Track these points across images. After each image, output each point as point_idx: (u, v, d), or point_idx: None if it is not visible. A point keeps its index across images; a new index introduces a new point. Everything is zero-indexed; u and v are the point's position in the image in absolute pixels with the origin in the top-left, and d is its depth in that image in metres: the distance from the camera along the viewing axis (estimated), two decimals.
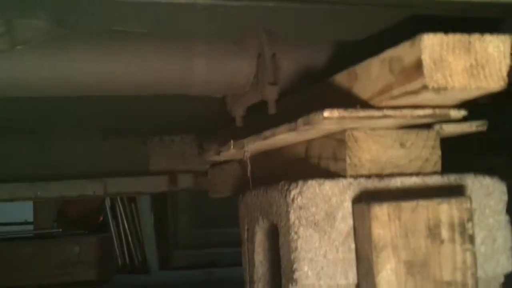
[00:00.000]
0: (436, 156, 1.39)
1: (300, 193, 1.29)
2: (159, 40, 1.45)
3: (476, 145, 2.83)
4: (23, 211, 5.55)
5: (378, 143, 1.35)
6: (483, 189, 1.35)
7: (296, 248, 1.28)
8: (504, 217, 1.35)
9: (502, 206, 1.36)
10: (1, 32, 1.24)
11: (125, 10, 1.26)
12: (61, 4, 1.27)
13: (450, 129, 1.42)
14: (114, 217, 5.20)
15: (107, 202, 5.14)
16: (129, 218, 5.21)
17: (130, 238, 5.21)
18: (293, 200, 1.30)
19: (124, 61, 1.44)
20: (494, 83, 1.13)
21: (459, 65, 1.11)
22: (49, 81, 1.43)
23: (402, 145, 1.37)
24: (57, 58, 1.41)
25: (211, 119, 2.28)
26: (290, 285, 1.31)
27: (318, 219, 1.29)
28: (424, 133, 1.38)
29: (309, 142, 1.50)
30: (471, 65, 1.12)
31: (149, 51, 1.45)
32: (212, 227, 5.05)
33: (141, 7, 1.24)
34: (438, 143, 1.39)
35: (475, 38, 1.12)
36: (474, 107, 1.93)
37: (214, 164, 2.22)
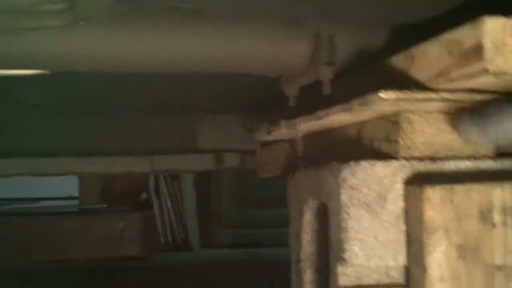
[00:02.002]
0: None
1: (352, 173, 1.30)
2: (221, 19, 1.46)
3: None
4: (68, 186, 5.63)
5: (433, 126, 1.35)
6: None
7: (346, 228, 1.29)
8: None
9: None
10: (65, 7, 1.26)
11: None
12: None
13: None
14: (157, 195, 5.25)
15: (151, 180, 5.19)
16: (172, 196, 5.26)
17: (172, 216, 5.26)
18: (344, 180, 1.30)
19: (185, 39, 1.45)
20: None
21: None
22: (109, 58, 1.45)
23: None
24: (119, 34, 1.42)
25: (259, 99, 2.29)
26: (339, 264, 1.32)
27: (370, 200, 1.30)
28: None
29: (362, 124, 1.50)
30: None
31: (211, 29, 1.46)
32: (255, 207, 5.07)
33: None
34: None
35: None
36: None
37: (263, 144, 2.23)
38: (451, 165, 1.33)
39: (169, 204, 5.26)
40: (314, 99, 1.62)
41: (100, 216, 4.50)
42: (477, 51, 1.10)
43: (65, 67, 1.51)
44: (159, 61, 1.48)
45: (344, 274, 1.33)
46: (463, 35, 1.14)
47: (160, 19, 1.44)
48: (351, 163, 1.31)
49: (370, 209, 1.30)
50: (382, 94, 1.20)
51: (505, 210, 1.25)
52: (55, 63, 1.47)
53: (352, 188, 1.30)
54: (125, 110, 2.62)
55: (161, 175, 5.13)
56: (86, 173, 3.05)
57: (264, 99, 2.25)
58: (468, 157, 1.36)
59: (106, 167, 2.92)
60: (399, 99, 1.21)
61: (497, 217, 1.24)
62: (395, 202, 1.30)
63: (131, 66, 1.50)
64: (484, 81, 1.16)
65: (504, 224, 1.24)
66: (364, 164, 1.31)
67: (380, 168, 1.31)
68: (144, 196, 5.18)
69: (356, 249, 1.29)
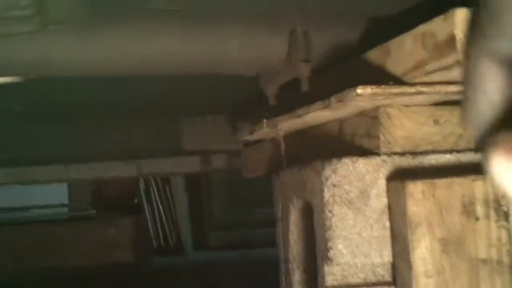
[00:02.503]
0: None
1: (334, 171, 1.29)
2: (192, 19, 1.44)
3: None
4: (58, 194, 5.62)
5: (412, 120, 1.34)
6: None
7: (330, 227, 1.28)
8: None
9: None
10: (33, 12, 1.24)
11: None
12: None
13: None
14: (148, 199, 5.24)
15: (141, 184, 5.17)
16: (163, 200, 5.25)
17: (164, 220, 5.25)
18: (327, 178, 1.30)
19: (158, 41, 1.44)
20: None
21: None
22: (82, 62, 1.43)
23: (436, 121, 1.36)
24: (90, 38, 1.41)
25: (243, 98, 2.28)
26: (325, 263, 1.31)
27: (352, 197, 1.29)
28: (457, 110, 1.37)
29: (342, 120, 1.49)
30: None
31: (183, 30, 1.44)
32: (247, 207, 5.06)
33: None
34: None
35: None
36: None
37: (248, 144, 2.22)
38: (432, 159, 1.32)
39: (160, 208, 5.25)
40: (294, 97, 1.61)
41: (91, 223, 4.48)
42: (450, 43, 1.09)
43: (37, 73, 1.50)
44: (133, 64, 1.47)
45: (331, 273, 1.32)
46: (436, 27, 1.13)
47: (132, 21, 1.42)
48: (333, 160, 1.30)
49: (353, 206, 1.29)
50: (359, 90, 1.19)
51: (487, 203, 1.24)
52: (27, 69, 1.45)
53: (334, 185, 1.29)
54: (111, 115, 2.61)
55: (151, 179, 5.12)
56: (74, 180, 3.04)
57: (249, 98, 2.24)
58: (450, 150, 1.35)
59: (93, 173, 2.91)
60: (376, 94, 1.20)
61: (480, 210, 1.23)
62: (378, 198, 1.29)
63: (104, 70, 1.49)
64: (458, 73, 1.15)
65: (487, 217, 1.23)
66: (346, 161, 1.30)
67: (362, 165, 1.30)
68: (135, 201, 5.17)
69: (341, 247, 1.28)
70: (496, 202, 1.24)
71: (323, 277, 1.34)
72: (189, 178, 5.15)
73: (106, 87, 2.01)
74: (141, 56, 1.44)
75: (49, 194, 5.61)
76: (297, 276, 1.60)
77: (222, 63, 1.49)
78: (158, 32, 1.43)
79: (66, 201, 5.16)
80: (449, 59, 1.11)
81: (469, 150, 1.35)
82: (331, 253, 1.28)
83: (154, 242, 5.15)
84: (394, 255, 1.28)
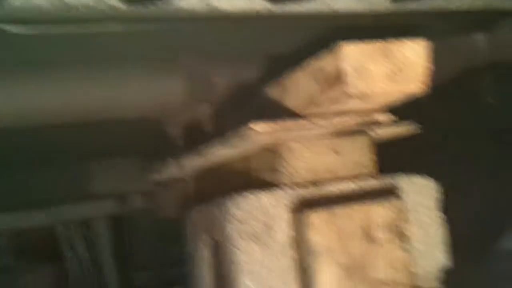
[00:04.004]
0: (370, 160, 1.41)
1: (237, 206, 1.31)
2: (85, 66, 1.44)
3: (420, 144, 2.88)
4: None
5: (313, 152, 1.37)
6: (416, 188, 1.38)
7: (237, 262, 1.29)
8: (437, 214, 1.39)
9: (434, 203, 1.39)
10: None
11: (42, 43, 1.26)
12: None
13: (384, 133, 1.45)
14: (69, 244, 5.14)
15: (60, 230, 5.07)
16: (84, 244, 5.16)
17: (87, 265, 5.16)
18: (231, 215, 1.31)
19: (47, 90, 1.43)
20: (415, 86, 1.16)
21: (380, 71, 1.14)
22: None
23: (337, 152, 1.39)
24: None
25: (153, 139, 2.28)
26: None
27: (257, 231, 1.30)
28: (357, 139, 1.41)
29: (247, 156, 1.51)
30: (391, 71, 1.15)
31: (74, 78, 1.44)
32: (171, 245, 5.01)
33: (58, 41, 1.24)
34: (372, 147, 1.42)
35: (393, 44, 1.15)
36: (415, 107, 1.97)
37: (160, 183, 2.22)
38: (334, 188, 1.35)
39: (82, 253, 5.15)
40: (201, 137, 1.63)
41: (7, 274, 4.36)
42: (338, 76, 1.13)
43: None
44: (23, 115, 1.45)
45: None
46: (325, 61, 1.17)
47: (22, 70, 1.42)
48: (235, 196, 1.32)
49: (258, 240, 1.30)
50: (255, 127, 1.22)
51: (387, 227, 1.28)
52: None
53: (239, 221, 1.30)
54: (19, 164, 2.57)
55: (71, 224, 5.02)
56: None
57: (159, 138, 2.25)
58: (351, 179, 1.38)
59: (6, 223, 2.85)
60: (272, 130, 1.23)
61: (380, 235, 1.27)
62: (283, 231, 1.31)
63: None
64: (350, 105, 1.19)
65: (388, 240, 1.27)
66: (249, 195, 1.31)
67: (265, 198, 1.32)
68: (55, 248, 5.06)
69: (248, 282, 1.29)
70: (396, 226, 1.28)
71: None
72: (111, 220, 5.07)
73: (10, 137, 1.98)
74: (30, 106, 1.43)
75: None
76: None
77: (121, 107, 1.50)
78: (44, 83, 1.43)
79: None
80: (339, 92, 1.15)
81: (370, 177, 1.39)
82: None
83: None
84: (301, 285, 1.30)
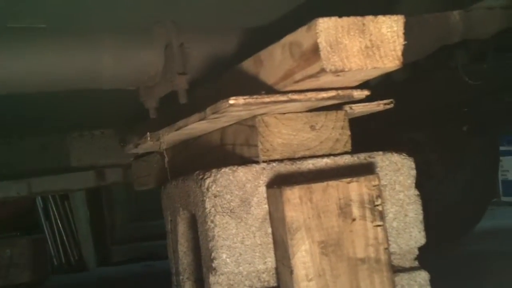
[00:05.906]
0: (346, 136, 1.41)
1: (214, 181, 1.30)
2: (62, 35, 1.42)
3: (399, 121, 2.90)
4: None
5: (289, 127, 1.37)
6: (392, 166, 1.38)
7: (213, 237, 1.29)
8: (414, 192, 1.39)
9: (411, 181, 1.39)
10: None
11: (20, 6, 1.24)
12: None
13: (359, 109, 1.44)
14: (47, 216, 5.12)
15: (39, 202, 5.06)
16: (62, 216, 5.14)
17: (65, 237, 5.15)
18: (208, 189, 1.31)
19: (25, 59, 1.41)
20: (390, 62, 1.15)
21: (355, 46, 1.14)
22: None
23: (312, 127, 1.39)
24: None
25: (131, 112, 2.27)
26: (210, 274, 1.32)
27: (234, 206, 1.30)
28: (333, 115, 1.40)
29: (223, 130, 1.51)
30: (366, 46, 1.14)
31: (51, 47, 1.42)
32: (149, 219, 5.01)
33: (37, 2, 1.22)
34: (347, 123, 1.41)
35: (368, 19, 1.14)
36: (391, 85, 1.97)
37: (137, 157, 2.21)
38: (309, 164, 1.35)
39: (60, 225, 5.14)
40: (177, 109, 1.62)
41: None
42: (314, 51, 1.12)
43: None
44: (3, 83, 1.43)
45: (217, 283, 1.33)
46: (301, 36, 1.16)
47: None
48: (213, 170, 1.31)
49: (235, 215, 1.30)
50: (232, 101, 1.21)
51: (363, 204, 1.27)
52: None
53: (215, 195, 1.30)
54: None
55: (49, 196, 5.00)
56: None
57: (136, 111, 2.24)
58: (327, 155, 1.38)
59: None
60: (249, 104, 1.22)
61: (356, 211, 1.27)
62: (259, 206, 1.31)
63: None
64: (326, 80, 1.18)
65: (363, 217, 1.27)
66: (226, 170, 1.31)
67: (242, 173, 1.32)
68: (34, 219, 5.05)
69: (224, 256, 1.29)
70: (371, 203, 1.28)
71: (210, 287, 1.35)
72: (89, 192, 5.06)
73: None
74: (6, 75, 1.41)
75: None
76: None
77: (97, 78, 1.48)
78: (22, 51, 1.41)
79: None
80: (315, 67, 1.14)
81: (346, 153, 1.39)
82: (215, 263, 1.29)
83: (54, 261, 5.04)
84: (277, 261, 1.30)
